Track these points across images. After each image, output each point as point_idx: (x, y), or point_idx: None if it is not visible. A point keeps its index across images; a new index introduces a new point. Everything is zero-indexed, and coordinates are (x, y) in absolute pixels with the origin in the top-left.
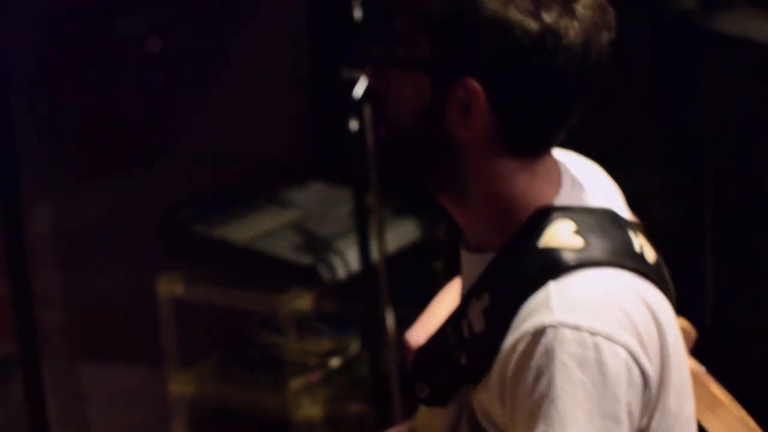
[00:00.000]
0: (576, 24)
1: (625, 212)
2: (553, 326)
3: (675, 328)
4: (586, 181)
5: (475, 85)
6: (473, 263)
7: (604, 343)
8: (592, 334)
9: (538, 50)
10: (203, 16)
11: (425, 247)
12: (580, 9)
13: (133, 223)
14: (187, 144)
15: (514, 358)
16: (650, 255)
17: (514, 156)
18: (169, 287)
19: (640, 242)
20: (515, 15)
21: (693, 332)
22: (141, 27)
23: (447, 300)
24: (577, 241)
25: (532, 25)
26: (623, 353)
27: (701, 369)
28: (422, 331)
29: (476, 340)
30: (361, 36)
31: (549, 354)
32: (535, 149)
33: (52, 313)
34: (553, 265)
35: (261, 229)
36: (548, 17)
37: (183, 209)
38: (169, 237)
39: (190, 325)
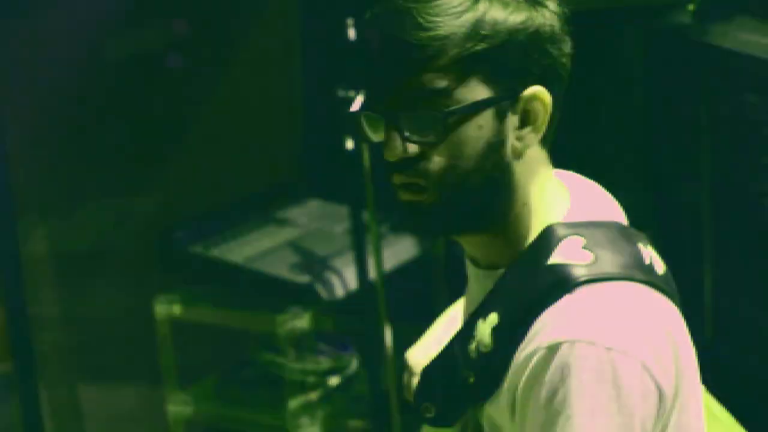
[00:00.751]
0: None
1: (621, 218)
2: (569, 341)
3: (687, 339)
4: (592, 197)
5: (542, 89)
6: (484, 279)
7: (619, 358)
8: (608, 348)
9: (561, 36)
10: (197, 35)
11: (423, 263)
12: (551, 4)
13: (129, 243)
14: (183, 164)
15: (527, 372)
16: (659, 266)
17: (542, 156)
18: (167, 307)
19: (649, 254)
20: (537, 17)
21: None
22: (136, 48)
23: (449, 320)
24: (587, 256)
25: (551, 18)
26: (639, 367)
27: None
28: (424, 350)
29: (485, 358)
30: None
31: (565, 369)
32: (551, 142)
33: (49, 334)
34: (564, 281)
35: (258, 248)
36: (553, 7)
37: (179, 229)
38: (166, 257)
39: (188, 345)
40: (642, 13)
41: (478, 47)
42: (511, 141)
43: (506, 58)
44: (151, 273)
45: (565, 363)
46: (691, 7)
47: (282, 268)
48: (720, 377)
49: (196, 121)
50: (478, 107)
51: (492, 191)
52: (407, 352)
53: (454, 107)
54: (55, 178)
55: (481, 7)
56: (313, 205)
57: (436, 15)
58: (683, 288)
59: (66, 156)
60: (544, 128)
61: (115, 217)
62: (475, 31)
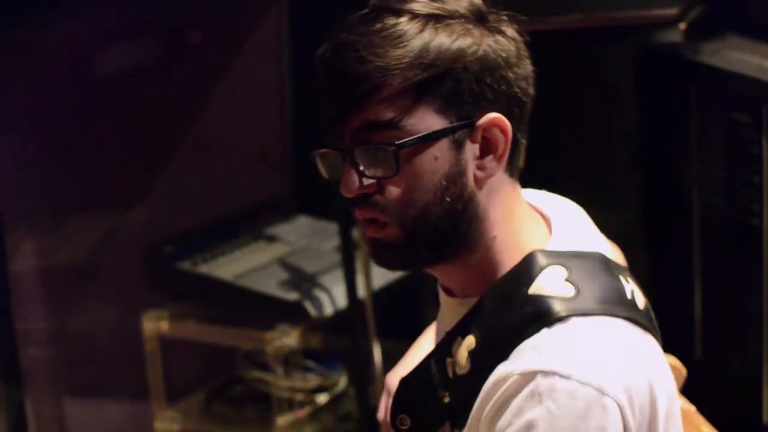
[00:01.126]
0: (516, 36)
1: (609, 252)
2: (544, 372)
3: (667, 375)
4: (574, 224)
5: (499, 118)
6: (458, 307)
7: (593, 395)
8: (583, 384)
9: (518, 60)
10: (188, 52)
11: (412, 281)
12: (509, 30)
13: (117, 259)
14: (172, 179)
15: (497, 396)
16: (640, 300)
17: (509, 186)
18: (155, 324)
19: (630, 287)
20: (486, 41)
21: (683, 370)
22: (125, 65)
23: (428, 342)
24: (568, 290)
25: (505, 42)
26: (611, 405)
27: (691, 408)
28: (403, 372)
29: (460, 380)
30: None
31: (535, 398)
32: (517, 171)
33: (36, 349)
34: (544, 315)
35: (247, 265)
36: (509, 32)
37: (168, 245)
38: (154, 273)
39: (176, 362)
40: (633, 32)
41: (423, 75)
42: (472, 171)
43: (456, 86)
44: (139, 289)
45: (537, 392)
46: (681, 25)
47: (271, 285)
48: (709, 396)
49: (185, 137)
50: (429, 138)
51: (454, 223)
52: (387, 375)
53: (404, 140)
54: (43, 193)
55: (426, 35)
56: (303, 222)
57: (379, 47)
58: (673, 307)
59: (54, 170)
60: (506, 155)
61: (103, 233)
62: (418, 60)
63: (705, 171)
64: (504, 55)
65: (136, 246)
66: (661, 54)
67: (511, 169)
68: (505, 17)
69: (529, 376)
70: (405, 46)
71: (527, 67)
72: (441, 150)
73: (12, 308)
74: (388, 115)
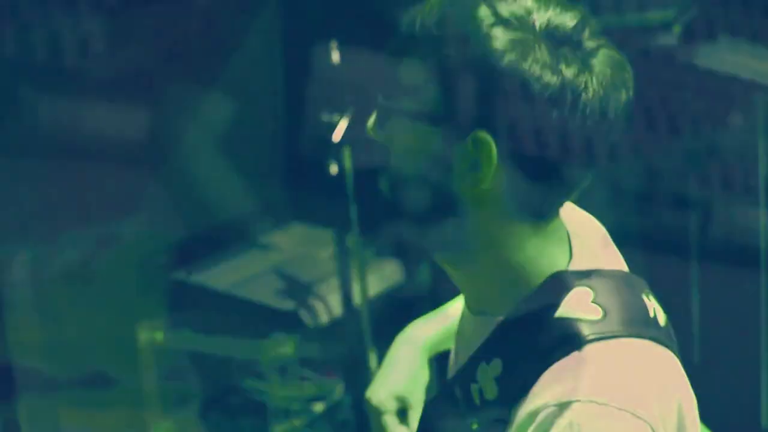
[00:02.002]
0: (595, 81)
1: (622, 262)
2: (580, 401)
3: (689, 390)
4: (592, 238)
5: (487, 139)
6: (475, 325)
7: (630, 419)
8: (620, 409)
9: (556, 105)
10: (180, 57)
11: (408, 289)
12: (598, 66)
13: (111, 269)
14: (166, 189)
15: (533, 428)
16: (661, 317)
17: (523, 219)
18: (150, 334)
19: (652, 305)
20: (533, 67)
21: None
22: (119, 71)
23: (404, 353)
24: (596, 311)
25: (551, 78)
26: (647, 429)
27: None
28: (384, 388)
29: (489, 406)
30: (364, 84)
31: (574, 428)
32: (546, 213)
33: (29, 360)
34: (573, 338)
35: (242, 274)
36: (568, 72)
37: (163, 255)
38: (149, 283)
39: (171, 372)
40: (627, 35)
41: (441, 58)
42: (462, 180)
43: (483, 92)
44: (134, 299)
45: (575, 422)
46: (676, 28)
47: (266, 294)
48: (708, 401)
49: (179, 145)
50: (418, 116)
51: (435, 215)
52: (368, 392)
53: (391, 103)
54: (37, 201)
55: (491, 31)
56: (298, 231)
57: (434, 16)
58: (671, 311)
59: (48, 178)
60: (488, 178)
61: (97, 242)
62: (445, 44)
63: (702, 177)
64: (534, 85)
65: (130, 256)
66: (656, 57)
67: (524, 210)
68: (588, 48)
69: (565, 406)
70: (448, 27)
71: (556, 114)
72: (427, 134)
73: (6, 318)
74: (399, 78)
